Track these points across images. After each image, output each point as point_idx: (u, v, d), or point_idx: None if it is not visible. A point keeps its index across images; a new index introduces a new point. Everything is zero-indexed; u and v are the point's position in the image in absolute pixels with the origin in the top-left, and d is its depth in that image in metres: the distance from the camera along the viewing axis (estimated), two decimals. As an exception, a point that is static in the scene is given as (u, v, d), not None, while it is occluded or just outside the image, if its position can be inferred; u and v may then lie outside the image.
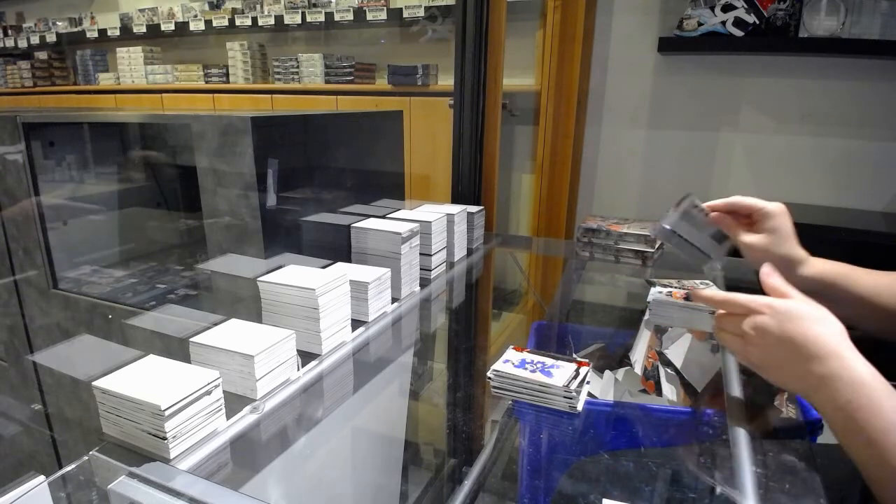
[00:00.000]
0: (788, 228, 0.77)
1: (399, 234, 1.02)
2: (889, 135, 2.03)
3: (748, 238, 0.79)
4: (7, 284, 1.36)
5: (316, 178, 1.10)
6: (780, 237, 0.76)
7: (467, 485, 0.63)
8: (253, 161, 0.92)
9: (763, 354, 0.61)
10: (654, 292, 0.92)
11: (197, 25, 3.33)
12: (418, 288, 1.11)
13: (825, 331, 0.57)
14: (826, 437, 0.73)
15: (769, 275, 0.66)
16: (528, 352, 0.78)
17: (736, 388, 0.73)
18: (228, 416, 0.66)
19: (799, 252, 0.77)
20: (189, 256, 1.56)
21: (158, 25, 3.49)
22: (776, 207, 0.78)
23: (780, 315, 0.60)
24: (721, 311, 0.68)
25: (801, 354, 0.57)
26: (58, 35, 3.99)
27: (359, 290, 0.92)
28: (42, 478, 0.47)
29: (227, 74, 3.32)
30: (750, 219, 0.80)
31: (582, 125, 2.44)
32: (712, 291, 0.73)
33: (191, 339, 0.71)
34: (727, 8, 2.04)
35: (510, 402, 0.73)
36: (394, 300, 1.02)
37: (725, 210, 0.82)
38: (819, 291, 0.72)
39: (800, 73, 2.09)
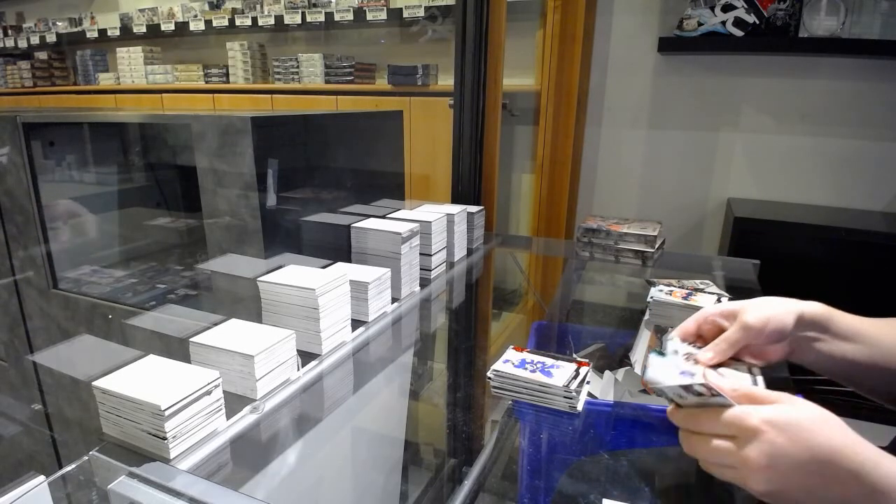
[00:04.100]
0: (763, 319, 0.62)
1: (399, 234, 1.02)
2: (889, 135, 2.03)
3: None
4: (7, 284, 1.36)
5: (316, 178, 1.10)
6: (758, 331, 0.62)
7: (467, 485, 0.63)
8: (253, 161, 0.92)
9: (779, 482, 0.48)
10: (654, 292, 0.92)
11: (197, 25, 3.33)
12: (418, 288, 1.11)
13: (843, 436, 0.47)
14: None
15: (717, 380, 0.53)
16: (528, 352, 0.78)
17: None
18: (228, 416, 0.66)
19: (786, 321, 0.63)
20: (189, 256, 1.56)
21: (158, 25, 3.49)
22: (740, 307, 0.64)
23: (788, 430, 0.47)
24: (694, 433, 0.53)
25: (830, 473, 0.46)
26: (58, 35, 3.99)
27: (359, 290, 0.92)
28: (42, 478, 0.47)
29: (227, 74, 3.32)
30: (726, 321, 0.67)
31: (582, 125, 2.44)
32: (683, 413, 0.54)
33: (191, 339, 0.71)
34: (727, 8, 2.04)
35: (510, 402, 0.73)
36: (394, 300, 1.02)
37: (697, 330, 0.69)
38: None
39: (800, 73, 2.09)
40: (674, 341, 0.68)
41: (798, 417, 0.48)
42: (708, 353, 0.64)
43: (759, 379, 0.64)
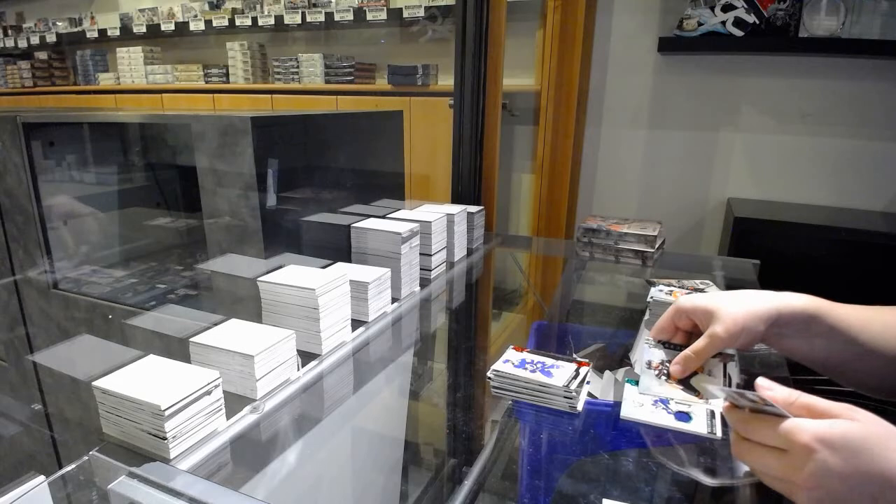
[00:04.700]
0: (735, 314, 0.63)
1: (399, 234, 1.02)
2: (889, 135, 2.03)
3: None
4: (7, 284, 1.36)
5: (316, 178, 1.10)
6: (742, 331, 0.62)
7: (467, 485, 0.63)
8: (253, 161, 0.92)
9: (828, 501, 0.45)
10: (654, 292, 0.92)
11: (197, 25, 3.33)
12: (418, 288, 1.11)
13: None
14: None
15: (769, 389, 0.50)
16: (528, 352, 0.78)
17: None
18: (228, 416, 0.66)
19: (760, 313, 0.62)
20: (189, 256, 1.56)
21: (158, 25, 3.49)
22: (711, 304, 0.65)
23: (842, 449, 0.44)
24: (746, 439, 0.51)
25: (888, 496, 0.44)
26: (58, 35, 3.99)
27: (359, 290, 0.92)
28: (42, 478, 0.47)
29: (227, 74, 3.32)
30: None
31: (582, 125, 2.44)
32: (736, 417, 0.52)
33: (191, 339, 0.71)
34: (727, 8, 2.04)
35: (510, 402, 0.73)
36: (394, 300, 1.02)
37: (673, 326, 0.70)
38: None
39: (800, 73, 2.09)
40: (649, 350, 0.71)
41: (855, 435, 0.44)
42: (677, 367, 0.66)
43: (733, 367, 0.66)
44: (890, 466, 0.43)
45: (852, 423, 0.45)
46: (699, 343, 0.65)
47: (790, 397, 0.49)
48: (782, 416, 0.48)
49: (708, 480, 0.61)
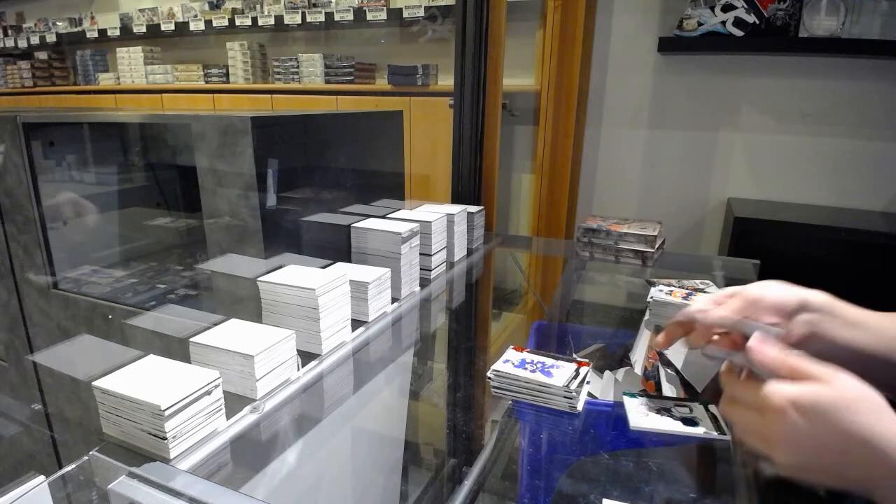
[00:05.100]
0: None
1: (399, 234, 1.02)
2: (889, 135, 2.03)
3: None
4: (7, 284, 1.36)
5: (316, 178, 1.10)
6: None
7: (467, 485, 0.63)
8: (253, 161, 0.92)
9: (800, 459, 0.49)
10: (654, 292, 0.92)
11: (197, 25, 3.33)
12: (418, 288, 1.11)
13: (873, 419, 0.47)
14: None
15: (759, 353, 0.53)
16: (528, 352, 0.78)
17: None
18: (228, 416, 0.66)
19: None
20: (189, 256, 1.56)
21: (158, 25, 3.49)
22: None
23: (811, 412, 0.47)
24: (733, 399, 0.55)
25: (854, 455, 0.47)
26: (58, 35, 3.99)
27: (359, 290, 0.92)
28: (42, 478, 0.47)
29: (227, 74, 3.32)
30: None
31: (582, 125, 2.44)
32: (729, 377, 0.56)
33: (191, 339, 0.71)
34: (727, 8, 2.04)
35: (510, 402, 0.73)
36: (394, 300, 1.02)
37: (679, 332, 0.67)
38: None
39: (800, 73, 2.09)
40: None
41: (825, 399, 0.48)
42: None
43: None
44: (853, 428, 0.46)
45: (824, 386, 0.49)
46: (730, 301, 0.63)
47: (778, 359, 0.52)
48: (766, 379, 0.52)
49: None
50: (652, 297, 0.90)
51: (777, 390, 0.50)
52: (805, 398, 0.48)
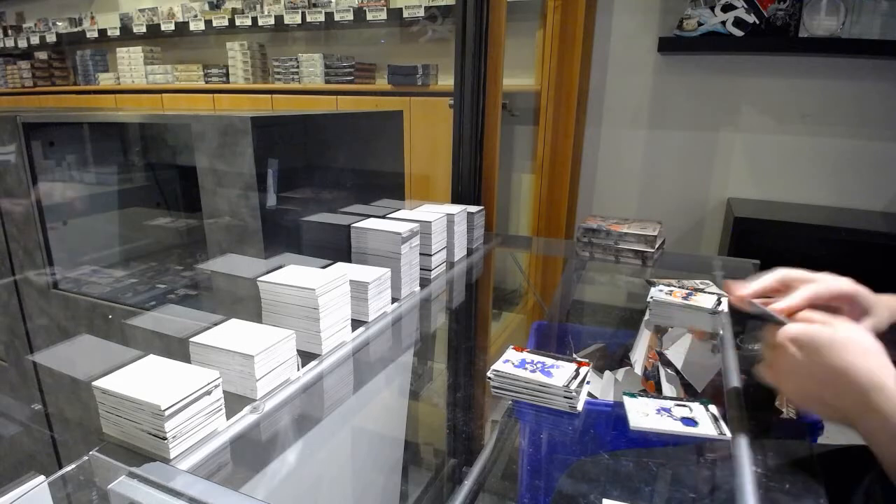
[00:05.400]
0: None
1: (399, 234, 1.02)
2: (889, 135, 2.03)
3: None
4: (7, 284, 1.36)
5: (316, 178, 1.10)
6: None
7: (467, 485, 0.63)
8: (253, 161, 0.92)
9: (799, 388, 0.58)
10: (654, 292, 0.92)
11: (197, 25, 3.33)
12: (418, 288, 1.11)
13: (859, 358, 0.53)
14: (825, 438, 0.73)
15: (780, 301, 0.63)
16: (528, 352, 0.78)
17: (736, 389, 0.73)
18: (228, 416, 0.66)
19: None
20: (189, 256, 1.56)
21: (158, 25, 3.49)
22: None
23: (806, 347, 0.55)
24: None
25: (839, 387, 0.53)
26: (58, 35, 3.99)
27: (359, 290, 0.92)
28: (42, 478, 0.47)
29: (227, 74, 3.32)
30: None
31: (582, 125, 2.44)
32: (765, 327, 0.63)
33: (191, 339, 0.71)
34: (727, 8, 2.04)
35: (510, 402, 0.73)
36: (394, 300, 1.02)
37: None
38: None
39: (800, 73, 2.09)
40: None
41: (821, 337, 0.55)
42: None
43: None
44: (837, 362, 0.53)
45: (824, 327, 0.56)
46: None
47: (796, 307, 0.63)
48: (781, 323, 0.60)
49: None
50: (652, 297, 0.91)
51: (783, 329, 0.58)
52: (804, 335, 0.56)
